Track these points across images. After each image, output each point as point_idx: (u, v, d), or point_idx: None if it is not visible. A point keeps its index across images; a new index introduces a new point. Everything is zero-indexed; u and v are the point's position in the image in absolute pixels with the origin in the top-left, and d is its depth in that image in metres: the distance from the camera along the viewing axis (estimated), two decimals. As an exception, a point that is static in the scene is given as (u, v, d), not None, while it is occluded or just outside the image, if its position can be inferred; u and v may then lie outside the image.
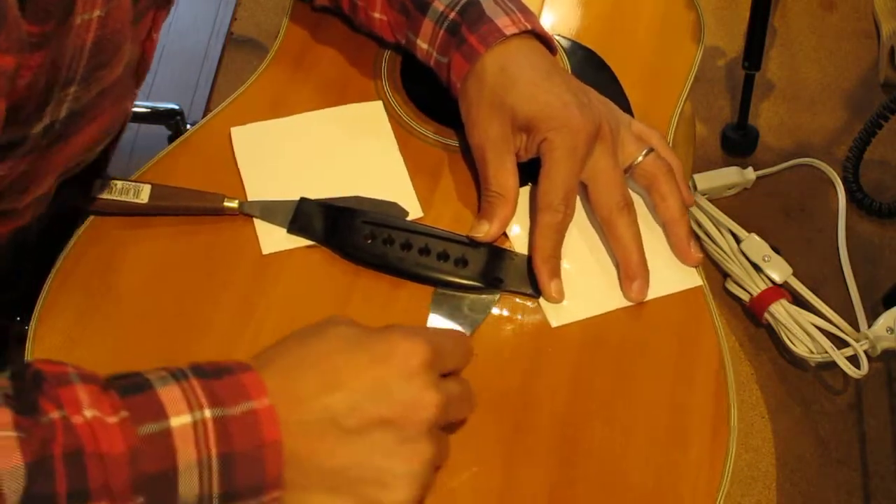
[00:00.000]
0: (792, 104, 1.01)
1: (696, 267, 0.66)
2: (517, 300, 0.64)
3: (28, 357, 0.57)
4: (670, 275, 0.66)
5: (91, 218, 0.64)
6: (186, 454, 0.45)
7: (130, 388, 0.46)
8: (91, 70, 0.53)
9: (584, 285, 0.65)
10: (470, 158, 0.70)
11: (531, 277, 0.64)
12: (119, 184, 0.63)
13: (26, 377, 0.46)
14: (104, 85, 0.55)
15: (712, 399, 0.61)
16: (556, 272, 0.64)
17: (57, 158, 0.58)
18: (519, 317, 0.63)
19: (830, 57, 1.04)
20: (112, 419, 0.44)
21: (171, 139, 1.61)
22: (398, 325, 0.52)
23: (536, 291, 0.64)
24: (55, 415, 0.44)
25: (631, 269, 0.64)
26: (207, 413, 0.45)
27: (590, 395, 0.60)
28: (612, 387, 0.60)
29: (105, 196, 0.62)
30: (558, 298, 0.64)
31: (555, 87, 0.65)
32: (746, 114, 0.98)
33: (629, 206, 0.65)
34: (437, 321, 0.61)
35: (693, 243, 0.67)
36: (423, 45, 0.70)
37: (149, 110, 1.55)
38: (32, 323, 0.59)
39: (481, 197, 0.66)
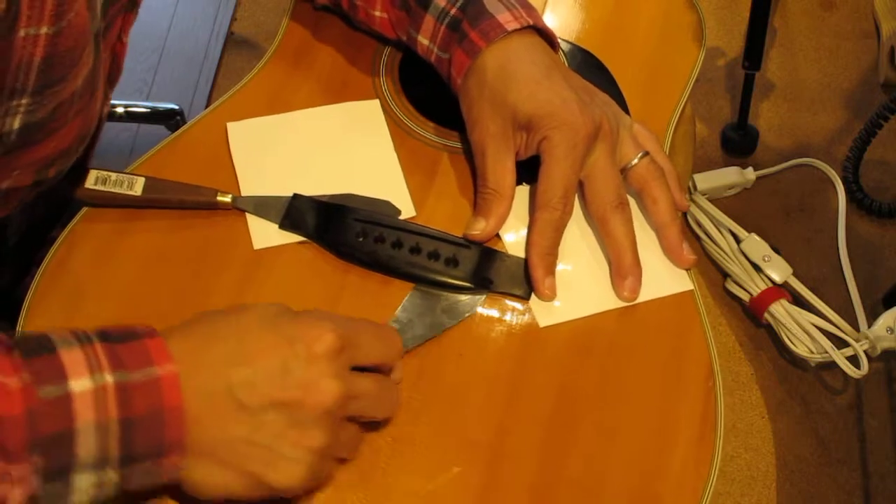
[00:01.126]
0: (792, 104, 1.01)
1: (688, 269, 0.66)
2: (507, 301, 0.64)
3: None
4: (662, 278, 0.66)
5: (84, 209, 0.64)
6: (85, 416, 0.45)
7: (34, 349, 0.46)
8: (44, 86, 0.54)
9: (576, 286, 0.65)
10: (465, 159, 0.70)
11: (522, 279, 0.64)
12: (113, 175, 0.63)
13: None
14: (61, 98, 0.56)
15: (700, 405, 0.60)
16: (551, 269, 0.64)
17: (18, 162, 0.58)
18: (508, 318, 0.63)
19: (830, 57, 1.04)
20: (12, 380, 0.44)
21: (171, 140, 1.62)
22: (318, 309, 0.53)
23: (527, 293, 0.64)
24: None
25: (623, 268, 0.64)
26: (108, 377, 0.46)
27: (576, 397, 0.60)
28: (599, 390, 0.60)
29: (99, 187, 0.62)
30: (551, 296, 0.64)
31: (555, 84, 0.65)
32: (746, 114, 0.98)
33: (624, 205, 0.65)
34: (403, 316, 0.61)
35: (685, 246, 0.67)
36: (423, 41, 0.70)
37: (149, 110, 1.55)
38: (22, 314, 0.59)
39: (477, 194, 0.66)
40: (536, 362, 0.61)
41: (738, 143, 1.00)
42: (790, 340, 0.85)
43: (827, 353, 0.83)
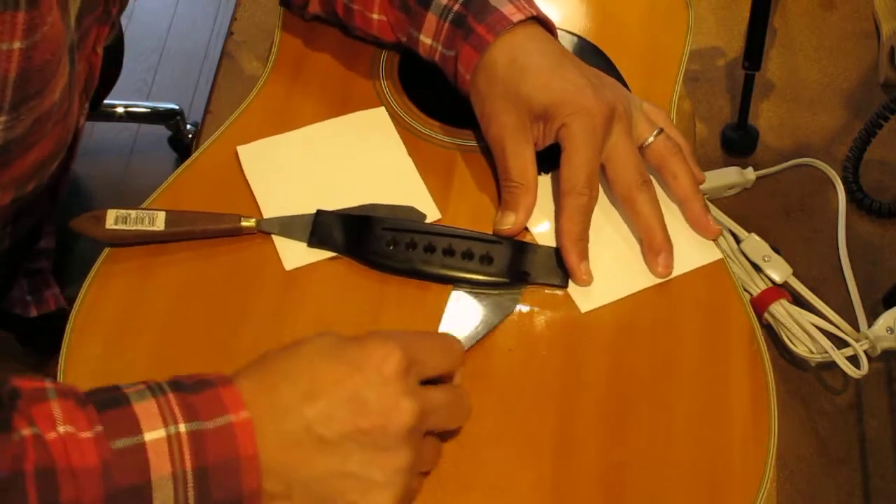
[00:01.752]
0: (792, 104, 1.02)
1: (714, 239, 0.68)
2: (546, 292, 0.64)
3: None
4: (691, 251, 0.67)
5: (107, 250, 0.63)
6: (160, 468, 0.45)
7: (107, 402, 0.46)
8: (20, 101, 0.53)
9: (610, 268, 0.66)
10: (480, 156, 0.70)
11: (557, 268, 0.65)
12: (133, 213, 0.62)
13: (2, 395, 0.46)
14: (39, 112, 0.55)
15: (748, 370, 0.61)
16: (584, 254, 0.65)
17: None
18: (550, 309, 0.64)
19: (830, 57, 1.04)
20: (86, 434, 0.45)
21: (170, 139, 1.62)
22: (378, 330, 0.53)
23: (564, 282, 0.65)
24: (26, 432, 0.44)
25: (655, 244, 0.65)
26: (182, 427, 0.46)
27: (629, 379, 0.61)
28: (651, 369, 0.61)
29: (120, 227, 0.62)
30: (588, 280, 0.65)
31: (567, 72, 0.66)
32: (746, 114, 0.98)
33: (647, 183, 0.66)
34: (450, 322, 0.62)
35: (710, 217, 0.68)
36: (426, 40, 0.70)
37: (149, 110, 1.55)
38: (61, 364, 0.58)
39: (501, 189, 0.67)
40: (584, 348, 0.62)
41: (738, 143, 1.01)
42: (790, 340, 0.86)
43: (827, 353, 0.84)
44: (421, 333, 0.56)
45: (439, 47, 0.69)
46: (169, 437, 0.46)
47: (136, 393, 0.47)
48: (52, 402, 0.46)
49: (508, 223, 0.65)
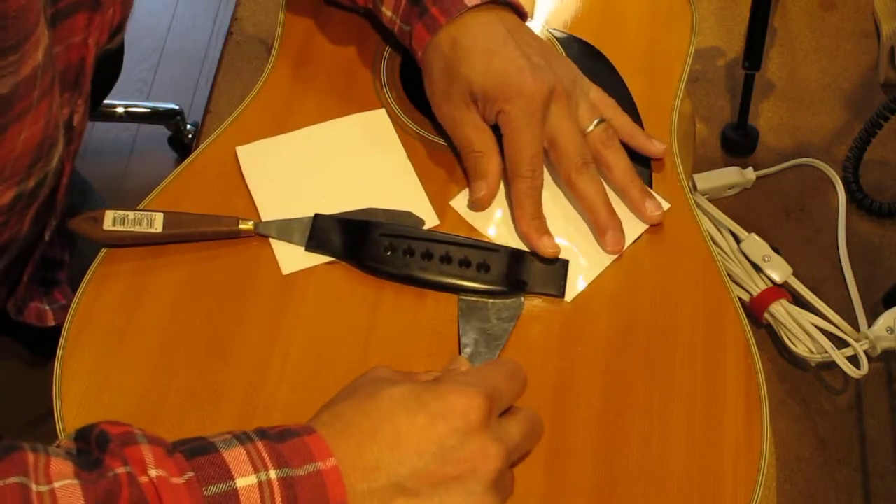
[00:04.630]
0: (792, 104, 1.01)
1: (657, 223, 0.69)
2: (542, 302, 0.64)
3: (56, 402, 0.57)
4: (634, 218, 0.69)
5: (104, 251, 0.63)
6: None
7: (196, 450, 0.46)
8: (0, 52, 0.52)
9: (587, 241, 0.67)
10: None
11: (555, 278, 0.65)
12: (131, 214, 0.62)
13: (91, 439, 0.46)
14: (22, 75, 0.54)
15: (743, 384, 0.62)
16: (543, 229, 0.66)
17: None
18: (545, 318, 0.64)
19: (830, 57, 1.04)
20: (178, 480, 0.44)
21: (170, 139, 1.62)
22: (450, 374, 0.53)
23: (561, 292, 0.65)
24: (121, 470, 0.44)
25: (600, 224, 0.67)
26: (273, 474, 0.46)
27: (624, 388, 0.61)
28: (645, 378, 0.62)
29: (118, 228, 0.62)
30: (554, 252, 0.65)
31: (509, 52, 0.66)
32: (746, 114, 0.98)
33: (587, 164, 0.67)
34: (468, 333, 0.62)
35: (648, 201, 0.69)
36: (387, 12, 0.71)
37: (149, 110, 1.55)
38: (57, 367, 0.58)
39: (464, 163, 0.67)
40: (580, 359, 0.62)
41: (738, 143, 1.01)
42: (790, 340, 0.86)
43: (827, 353, 0.84)
44: (490, 367, 0.56)
45: (398, 21, 0.70)
46: (260, 483, 0.45)
47: (223, 441, 0.47)
48: (143, 447, 0.45)
49: (482, 189, 0.66)
